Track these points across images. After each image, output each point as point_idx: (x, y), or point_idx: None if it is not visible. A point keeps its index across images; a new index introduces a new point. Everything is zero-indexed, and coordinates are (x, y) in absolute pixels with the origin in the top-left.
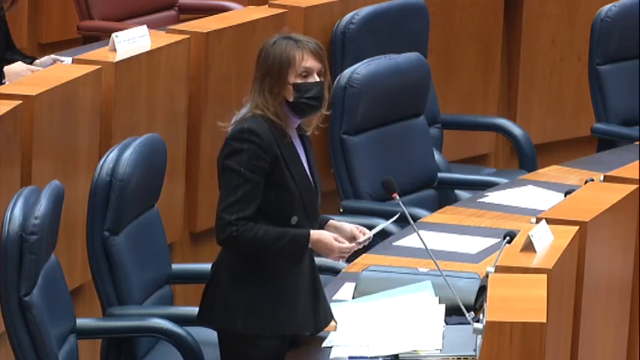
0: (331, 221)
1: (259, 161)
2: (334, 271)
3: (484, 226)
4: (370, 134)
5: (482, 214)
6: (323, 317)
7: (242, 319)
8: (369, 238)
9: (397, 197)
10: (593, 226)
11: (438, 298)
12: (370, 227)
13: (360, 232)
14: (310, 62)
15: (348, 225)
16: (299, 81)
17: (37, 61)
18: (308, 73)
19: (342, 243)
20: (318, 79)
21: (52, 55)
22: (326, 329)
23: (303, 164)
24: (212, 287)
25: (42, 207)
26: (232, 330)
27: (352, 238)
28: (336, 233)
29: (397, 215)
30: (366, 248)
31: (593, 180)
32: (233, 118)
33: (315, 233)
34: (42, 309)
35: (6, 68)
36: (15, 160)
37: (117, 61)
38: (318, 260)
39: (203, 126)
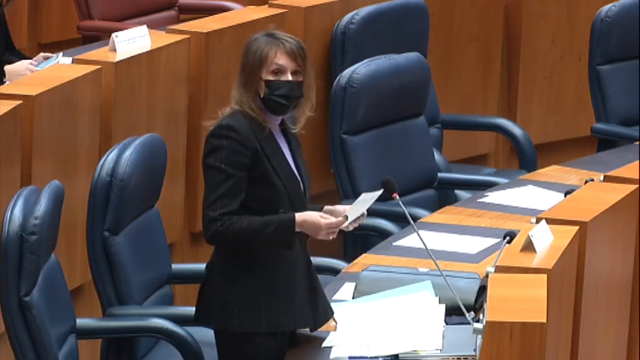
0: (325, 207)
1: (240, 157)
2: (334, 271)
3: (484, 226)
4: (370, 134)
5: (482, 214)
6: (322, 313)
7: (237, 317)
8: (362, 215)
9: (397, 197)
10: (593, 226)
11: (438, 298)
12: (370, 226)
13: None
14: (283, 60)
15: (341, 206)
16: (270, 78)
17: (30, 60)
18: (280, 70)
19: (329, 219)
20: (290, 78)
21: (42, 54)
22: (326, 329)
23: (286, 158)
24: (206, 288)
25: (42, 207)
26: (229, 329)
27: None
28: (332, 217)
29: (381, 191)
30: (366, 248)
31: (593, 180)
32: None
33: (299, 215)
34: (42, 309)
35: (7, 67)
36: (15, 160)
37: (117, 61)
38: (317, 260)
39: (203, 126)
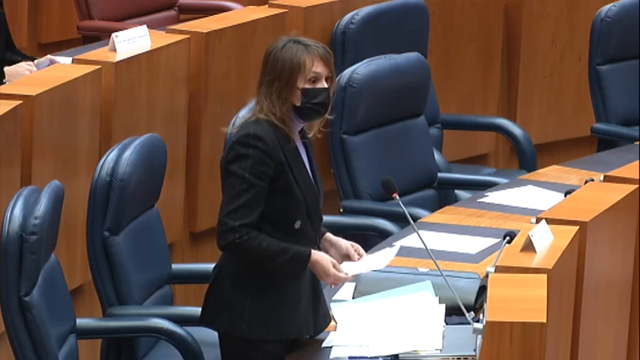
0: (328, 235)
1: (264, 167)
2: None
3: (484, 226)
4: (370, 134)
5: (482, 214)
6: (322, 319)
7: (246, 323)
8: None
9: (397, 197)
10: (593, 226)
11: (438, 298)
12: (370, 226)
13: (355, 250)
14: (320, 68)
15: (344, 242)
16: (307, 86)
17: (35, 61)
18: (317, 78)
19: (339, 272)
20: (325, 85)
21: (49, 56)
22: (326, 329)
23: (307, 169)
24: (214, 290)
25: (42, 207)
26: (237, 334)
27: (346, 256)
28: (332, 248)
29: (395, 251)
30: (366, 248)
31: (593, 180)
32: (233, 119)
33: (315, 254)
34: (42, 309)
35: (6, 68)
36: (15, 160)
37: (117, 61)
38: None
39: (203, 126)
